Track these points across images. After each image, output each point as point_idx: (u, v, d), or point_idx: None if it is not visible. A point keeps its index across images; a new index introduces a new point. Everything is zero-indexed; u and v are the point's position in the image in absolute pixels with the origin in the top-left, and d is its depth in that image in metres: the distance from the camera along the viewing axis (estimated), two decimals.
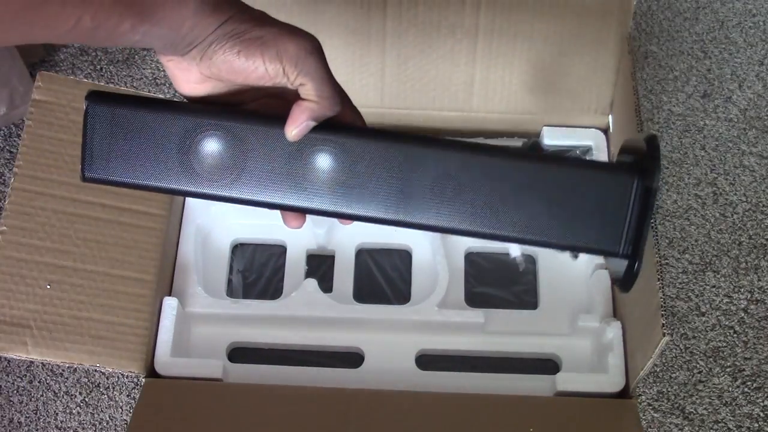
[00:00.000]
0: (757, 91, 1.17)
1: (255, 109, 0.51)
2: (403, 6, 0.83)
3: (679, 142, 1.13)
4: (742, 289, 1.03)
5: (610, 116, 0.88)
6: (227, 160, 0.50)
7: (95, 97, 0.50)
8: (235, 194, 0.50)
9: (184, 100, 0.51)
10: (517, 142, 0.90)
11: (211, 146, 0.50)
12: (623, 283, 0.53)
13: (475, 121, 0.89)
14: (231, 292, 0.88)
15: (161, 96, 0.77)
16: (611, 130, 0.88)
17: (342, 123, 0.51)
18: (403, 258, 0.89)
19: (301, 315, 0.81)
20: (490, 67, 0.86)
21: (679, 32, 1.22)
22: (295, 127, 0.48)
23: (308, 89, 0.48)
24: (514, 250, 0.88)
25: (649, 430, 0.96)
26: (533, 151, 0.52)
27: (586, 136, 0.88)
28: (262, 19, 0.47)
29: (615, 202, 0.50)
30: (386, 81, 0.87)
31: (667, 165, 1.11)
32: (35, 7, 0.38)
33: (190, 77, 0.49)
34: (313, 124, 0.49)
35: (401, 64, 0.86)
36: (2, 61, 1.06)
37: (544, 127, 0.88)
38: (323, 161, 0.50)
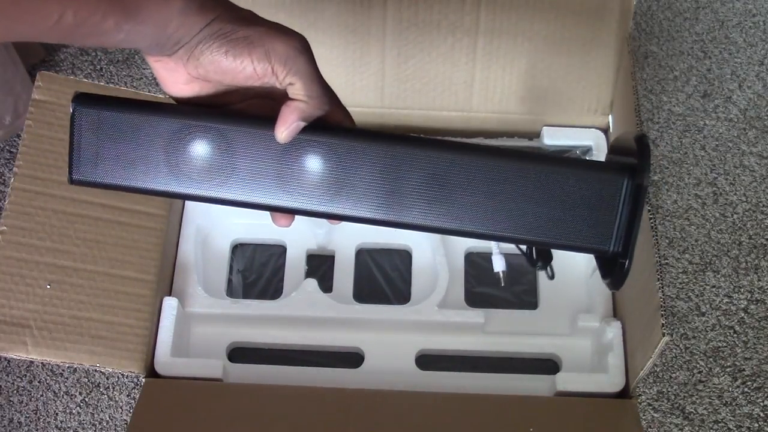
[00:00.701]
0: (757, 91, 1.17)
1: (243, 110, 0.51)
2: (403, 5, 0.83)
3: (679, 142, 1.13)
4: (742, 289, 1.03)
5: (610, 116, 0.88)
6: (216, 162, 0.50)
7: (82, 99, 0.49)
8: (224, 196, 0.50)
9: (172, 101, 0.51)
10: (518, 142, 0.90)
11: (200, 148, 0.49)
12: (614, 281, 0.53)
13: (475, 121, 0.89)
14: (231, 292, 0.88)
15: (160, 96, 0.77)
16: (611, 130, 0.88)
17: (331, 123, 0.51)
18: (403, 258, 0.89)
19: (301, 315, 0.81)
20: (490, 66, 0.86)
21: (679, 32, 1.22)
22: (286, 128, 0.48)
23: (297, 88, 0.47)
24: (498, 264, 0.84)
25: (649, 430, 0.96)
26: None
27: (586, 136, 0.88)
28: (249, 19, 0.47)
29: (605, 200, 0.50)
30: (386, 81, 0.87)
31: (667, 165, 1.11)
32: (17, 2, 0.37)
33: (177, 78, 0.49)
34: (303, 124, 0.48)
35: (401, 64, 0.86)
36: (5, 68, 1.06)
37: (544, 127, 0.88)
38: (312, 162, 0.50)
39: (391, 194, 0.50)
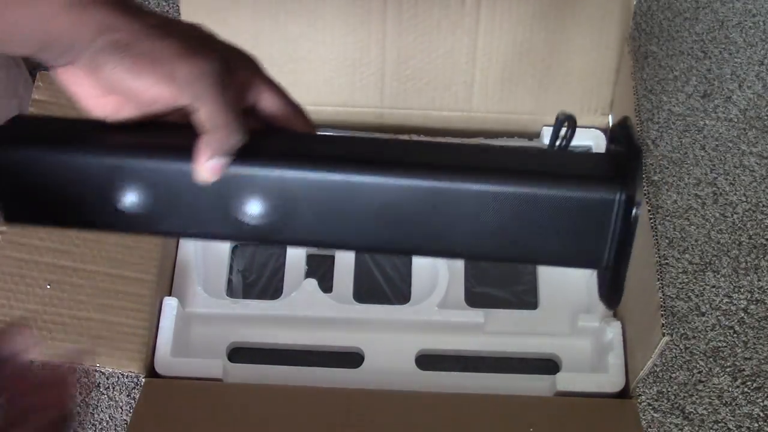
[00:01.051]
0: (757, 91, 1.17)
1: (180, 123, 0.43)
2: (403, 6, 0.83)
3: (679, 142, 1.13)
4: (742, 289, 1.03)
5: (610, 116, 0.88)
6: (151, 200, 0.44)
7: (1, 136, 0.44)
8: (164, 229, 0.45)
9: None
10: (518, 142, 0.90)
11: (133, 187, 0.43)
12: (608, 299, 0.49)
13: (475, 121, 0.89)
14: (231, 292, 0.88)
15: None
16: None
17: (284, 131, 0.45)
18: (403, 258, 0.89)
19: (301, 315, 0.81)
20: (490, 66, 0.86)
21: (679, 32, 1.22)
22: (200, 168, 0.40)
23: (200, 117, 0.39)
24: None
25: (649, 430, 0.96)
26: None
27: (586, 136, 0.88)
28: (159, 28, 0.39)
29: (598, 214, 0.46)
30: (386, 81, 0.87)
31: (667, 165, 1.11)
32: None
33: (89, 92, 0.41)
34: (222, 159, 0.40)
35: (401, 64, 0.86)
36: (8, 71, 1.06)
37: (544, 127, 0.88)
38: (251, 193, 0.43)
39: (347, 222, 0.44)
